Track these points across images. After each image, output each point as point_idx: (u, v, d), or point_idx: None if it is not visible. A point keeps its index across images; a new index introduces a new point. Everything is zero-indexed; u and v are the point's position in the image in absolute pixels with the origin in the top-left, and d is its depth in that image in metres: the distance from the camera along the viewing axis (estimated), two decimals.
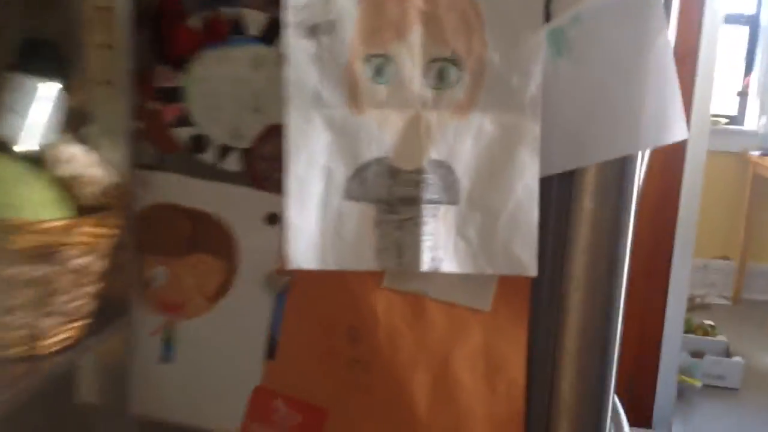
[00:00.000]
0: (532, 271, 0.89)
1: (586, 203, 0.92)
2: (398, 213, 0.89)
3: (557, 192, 0.91)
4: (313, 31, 0.87)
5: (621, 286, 0.92)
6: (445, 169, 0.89)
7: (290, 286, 0.97)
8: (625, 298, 0.92)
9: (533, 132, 0.87)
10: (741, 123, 4.05)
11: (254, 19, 0.93)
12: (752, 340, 3.33)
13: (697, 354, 2.90)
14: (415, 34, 0.87)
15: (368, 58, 0.87)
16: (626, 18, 0.84)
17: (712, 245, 3.92)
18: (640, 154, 0.90)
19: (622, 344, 0.95)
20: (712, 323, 3.11)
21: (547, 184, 0.89)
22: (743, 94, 4.05)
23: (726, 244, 3.99)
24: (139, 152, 0.97)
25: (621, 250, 0.91)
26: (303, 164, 0.89)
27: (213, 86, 0.95)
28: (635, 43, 0.84)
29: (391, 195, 0.89)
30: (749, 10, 3.99)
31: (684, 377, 2.72)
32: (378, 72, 0.88)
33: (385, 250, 0.90)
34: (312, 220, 0.89)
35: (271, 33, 0.92)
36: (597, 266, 0.92)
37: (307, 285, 0.96)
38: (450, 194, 0.89)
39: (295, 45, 0.88)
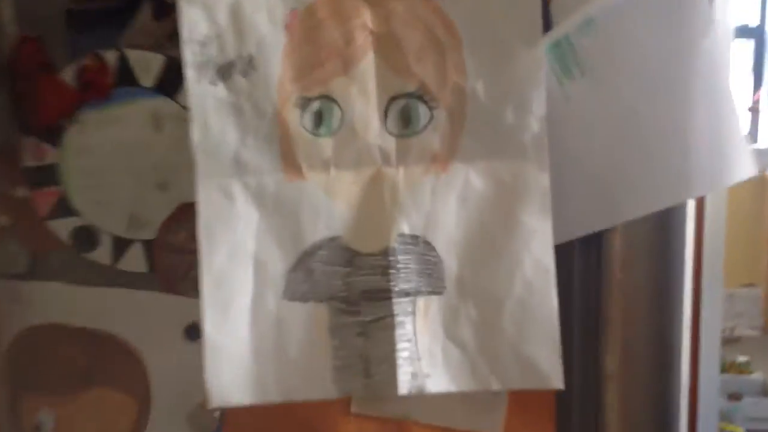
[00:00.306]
0: (556, 380, 0.62)
1: (617, 273, 0.66)
2: (360, 313, 0.63)
3: (581, 263, 0.66)
4: (224, 72, 0.63)
5: (679, 390, 0.66)
6: (421, 246, 0.63)
7: (221, 424, 0.70)
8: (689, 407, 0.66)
9: (540, 184, 0.62)
10: (754, 141, 3.80)
11: (146, 64, 0.68)
12: None
13: (735, 396, 2.58)
14: (366, 64, 0.62)
15: (304, 102, 0.63)
16: (657, 17, 0.60)
17: (735, 273, 3.64)
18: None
19: None
20: (746, 358, 2.80)
21: (565, 253, 0.65)
22: (754, 110, 3.79)
23: (750, 271, 3.71)
24: (4, 257, 0.71)
25: (674, 338, 0.66)
26: (222, 256, 0.63)
27: (97, 159, 0.69)
28: (673, 48, 0.60)
29: (350, 289, 0.63)
30: (753, 21, 3.75)
31: (725, 425, 2.42)
32: (319, 120, 0.63)
33: (347, 367, 0.63)
34: (239, 334, 0.63)
35: (172, 79, 0.68)
36: (642, 363, 0.67)
37: (245, 421, 0.70)
38: (431, 281, 0.63)
39: (200, 93, 0.63)
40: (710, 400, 0.77)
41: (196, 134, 0.63)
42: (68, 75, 0.68)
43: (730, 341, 3.00)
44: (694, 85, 0.60)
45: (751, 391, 2.66)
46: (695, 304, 0.70)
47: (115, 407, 0.72)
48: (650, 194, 0.63)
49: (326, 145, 0.63)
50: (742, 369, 2.78)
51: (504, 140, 0.62)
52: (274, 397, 0.63)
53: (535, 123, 0.61)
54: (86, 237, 0.70)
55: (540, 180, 0.62)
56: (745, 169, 0.62)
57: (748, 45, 3.76)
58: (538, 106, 0.61)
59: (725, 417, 2.46)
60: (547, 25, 0.60)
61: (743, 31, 3.76)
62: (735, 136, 0.62)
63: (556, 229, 0.63)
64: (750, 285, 3.71)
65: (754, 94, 3.79)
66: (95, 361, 0.72)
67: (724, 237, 0.71)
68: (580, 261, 0.65)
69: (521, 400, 0.67)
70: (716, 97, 0.61)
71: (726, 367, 2.74)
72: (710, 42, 0.59)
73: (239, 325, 0.63)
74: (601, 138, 0.63)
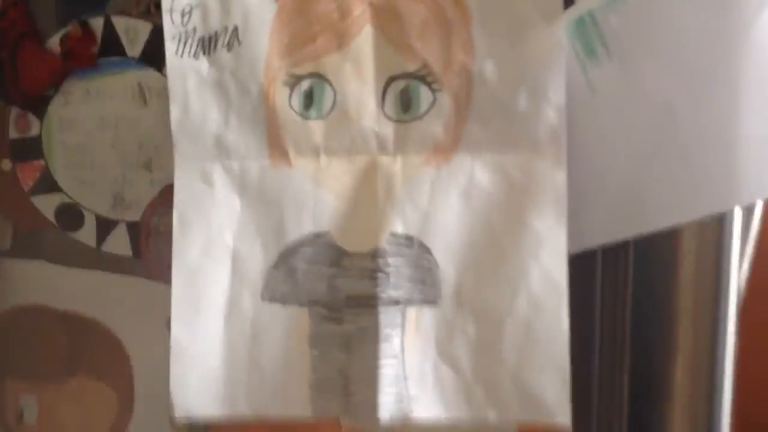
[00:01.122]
0: (563, 415, 0.54)
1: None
2: (344, 322, 0.57)
3: (603, 276, 0.57)
4: (206, 45, 0.57)
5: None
6: (415, 248, 0.56)
7: (209, 425, 0.66)
8: None
9: (555, 183, 0.54)
10: None
11: (133, 33, 0.63)
12: None
13: None
14: (363, 39, 0.55)
15: (293, 80, 0.56)
16: None
17: None
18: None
19: None
20: None
21: (586, 263, 0.56)
22: None
23: None
24: None
25: (718, 369, 0.57)
26: (197, 249, 0.57)
27: (81, 134, 0.64)
28: (720, 30, 0.50)
29: (334, 293, 0.57)
30: None
31: None
32: (309, 101, 0.56)
33: (325, 383, 0.57)
34: (210, 338, 0.57)
35: (160, 50, 0.61)
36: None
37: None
38: (424, 289, 0.56)
39: (181, 67, 0.57)
40: None
41: (175, 112, 0.57)
42: (53, 43, 0.64)
43: None
44: (743, 75, 0.51)
45: None
46: None
47: (98, 397, 0.67)
48: (688, 201, 0.54)
49: (316, 128, 0.56)
50: None
51: (515, 131, 0.54)
52: (244, 411, 0.58)
53: (551, 112, 0.53)
54: (70, 215, 0.66)
55: (555, 179, 0.54)
56: None
57: None
58: (556, 93, 0.53)
59: None
60: (568, 1, 0.52)
61: None
62: None
63: (575, 236, 0.55)
64: None
65: None
66: (78, 348, 0.67)
67: None
68: (604, 274, 0.57)
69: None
70: None
71: None
72: (764, 25, 0.49)
73: (211, 328, 0.57)
74: (632, 135, 0.53)
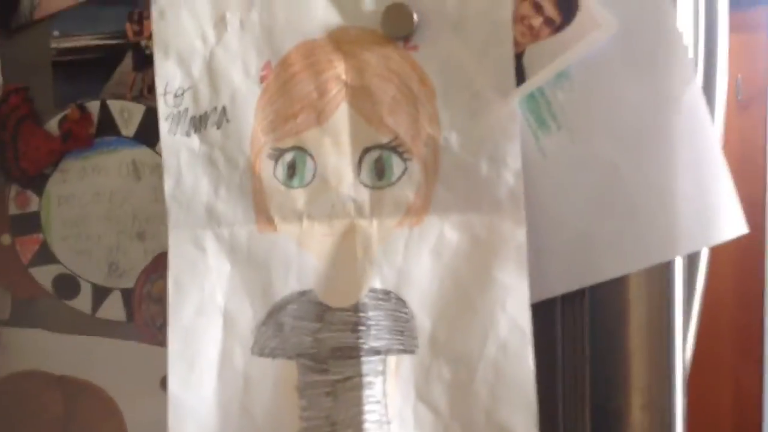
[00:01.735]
0: None
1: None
2: (329, 372, 0.62)
3: (563, 321, 0.63)
4: (197, 123, 0.63)
5: None
6: (393, 302, 0.61)
7: None
8: None
9: (516, 239, 0.60)
10: None
11: (127, 114, 0.69)
12: None
13: None
14: (340, 115, 0.62)
15: (277, 153, 0.62)
16: (635, 69, 0.58)
17: None
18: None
19: None
20: None
21: (546, 310, 0.62)
22: None
23: None
24: None
25: (671, 403, 0.62)
26: (191, 309, 0.62)
27: (78, 208, 0.69)
28: (655, 100, 0.58)
29: (319, 346, 0.62)
30: None
31: None
32: (292, 171, 0.62)
33: (313, 430, 0.61)
34: (205, 391, 0.62)
35: (152, 129, 0.67)
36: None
37: None
38: (403, 339, 0.61)
39: (174, 145, 0.63)
40: None
41: (169, 185, 0.63)
42: (53, 125, 0.69)
43: None
44: (677, 139, 0.58)
45: None
46: None
47: None
48: (634, 252, 0.60)
49: (299, 196, 0.62)
50: None
51: (479, 193, 0.60)
52: None
53: (510, 176, 0.60)
54: (67, 285, 0.70)
55: (516, 235, 0.60)
56: (734, 226, 0.59)
57: None
58: (513, 159, 0.59)
59: None
60: (521, 78, 0.59)
61: None
62: (723, 190, 0.59)
63: (536, 286, 0.61)
64: None
65: None
66: (74, 410, 0.71)
67: None
68: (563, 319, 0.63)
69: None
70: (701, 152, 0.58)
71: None
72: (692, 93, 0.57)
73: (205, 382, 0.62)
74: (581, 194, 0.60)
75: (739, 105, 1.45)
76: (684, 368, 0.63)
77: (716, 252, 0.68)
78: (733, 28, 0.74)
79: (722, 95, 0.72)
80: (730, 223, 0.59)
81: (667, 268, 0.61)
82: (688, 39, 0.63)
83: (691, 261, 0.66)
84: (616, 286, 0.61)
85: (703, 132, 0.58)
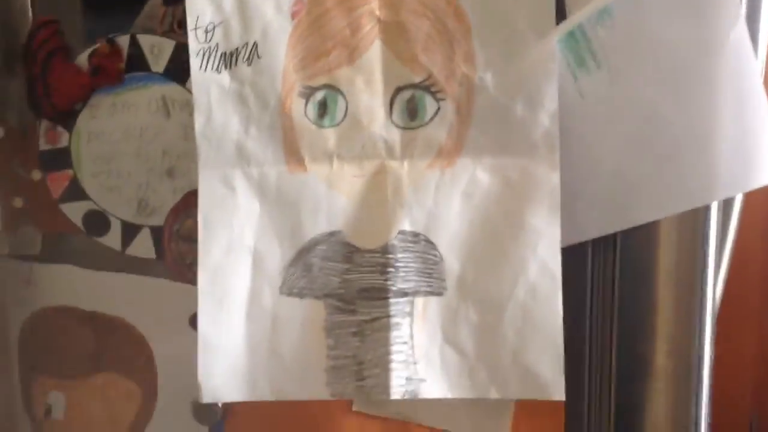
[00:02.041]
0: (557, 392, 0.59)
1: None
2: (357, 312, 0.61)
3: (593, 266, 0.62)
4: (228, 59, 0.62)
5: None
6: (422, 244, 0.61)
7: (227, 416, 0.70)
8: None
9: (550, 183, 0.59)
10: None
11: (158, 50, 0.68)
12: None
13: None
14: (373, 53, 0.60)
15: (308, 91, 0.61)
16: (680, 7, 0.56)
17: None
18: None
19: None
20: None
21: (577, 254, 0.61)
22: None
23: None
24: (20, 239, 0.72)
25: (695, 351, 0.61)
26: (220, 248, 0.62)
27: (108, 144, 0.69)
28: (698, 41, 0.56)
29: (347, 286, 0.62)
30: None
31: None
32: (323, 110, 0.61)
33: (340, 369, 0.61)
34: (234, 330, 0.62)
35: (183, 65, 0.66)
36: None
37: (250, 413, 0.69)
38: (431, 281, 0.61)
39: (204, 81, 0.62)
40: None
41: (199, 122, 0.62)
42: (82, 60, 0.68)
43: None
44: (721, 81, 0.56)
45: None
46: None
47: (122, 393, 0.72)
48: (670, 196, 0.59)
49: (330, 136, 0.61)
50: None
51: (513, 135, 0.59)
52: (266, 395, 0.62)
53: (546, 118, 0.58)
54: (97, 221, 0.70)
55: (550, 179, 0.59)
56: None
57: None
58: (550, 101, 0.58)
59: None
60: (561, 15, 0.57)
61: None
62: (764, 135, 0.57)
63: (568, 230, 0.60)
64: None
65: None
66: (104, 346, 0.72)
67: None
68: (593, 264, 0.62)
69: (529, 406, 0.64)
70: (744, 95, 0.56)
71: None
72: (738, 35, 0.55)
73: (234, 321, 0.62)
74: (619, 137, 0.59)
75: None
76: (712, 317, 0.62)
77: (748, 197, 0.66)
78: None
79: (765, 37, 0.70)
80: None
81: (700, 213, 0.60)
82: None
83: (726, 206, 0.64)
84: (647, 232, 0.60)
85: (748, 75, 0.56)
